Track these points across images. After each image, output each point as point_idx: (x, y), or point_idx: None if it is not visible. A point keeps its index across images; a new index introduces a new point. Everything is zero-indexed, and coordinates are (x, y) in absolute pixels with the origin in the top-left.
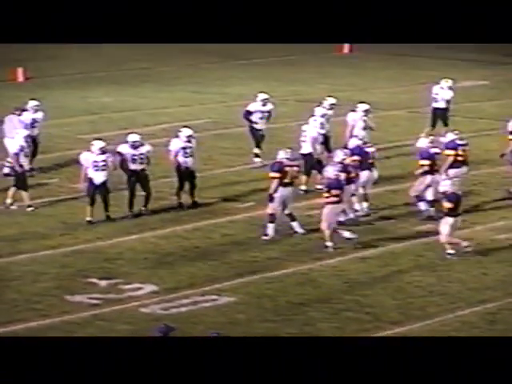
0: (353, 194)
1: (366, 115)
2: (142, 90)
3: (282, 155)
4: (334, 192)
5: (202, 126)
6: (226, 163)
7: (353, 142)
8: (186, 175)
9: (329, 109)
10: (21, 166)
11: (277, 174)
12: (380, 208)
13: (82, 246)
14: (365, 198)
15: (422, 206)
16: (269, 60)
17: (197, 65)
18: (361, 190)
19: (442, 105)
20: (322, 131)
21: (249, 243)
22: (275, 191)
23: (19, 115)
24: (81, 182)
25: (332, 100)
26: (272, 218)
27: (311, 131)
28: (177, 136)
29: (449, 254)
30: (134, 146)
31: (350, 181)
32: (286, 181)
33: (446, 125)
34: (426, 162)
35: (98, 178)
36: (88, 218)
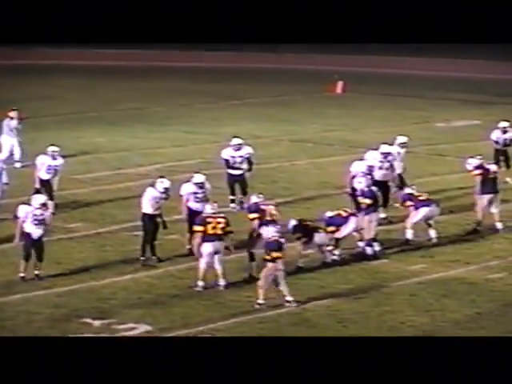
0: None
1: (402, 147)
2: (135, 130)
3: (255, 199)
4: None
5: (195, 166)
6: (220, 203)
7: (358, 186)
8: None
9: (402, 147)
10: None
11: (255, 215)
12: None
13: (75, 286)
14: (374, 237)
15: (369, 250)
16: (261, 100)
17: (190, 105)
18: (372, 232)
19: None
20: (364, 170)
21: (242, 283)
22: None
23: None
24: (17, 238)
25: (403, 139)
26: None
27: (355, 167)
28: (188, 180)
29: (258, 303)
30: (164, 193)
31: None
32: (268, 219)
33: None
34: (368, 201)
35: (36, 232)
36: (22, 274)
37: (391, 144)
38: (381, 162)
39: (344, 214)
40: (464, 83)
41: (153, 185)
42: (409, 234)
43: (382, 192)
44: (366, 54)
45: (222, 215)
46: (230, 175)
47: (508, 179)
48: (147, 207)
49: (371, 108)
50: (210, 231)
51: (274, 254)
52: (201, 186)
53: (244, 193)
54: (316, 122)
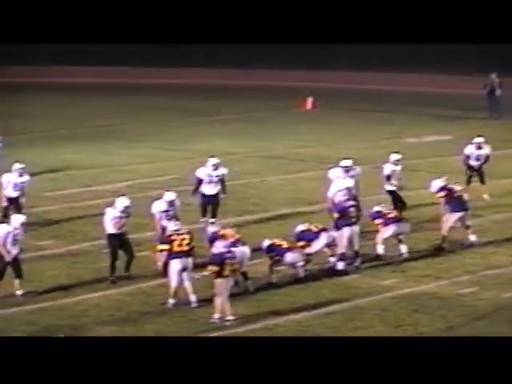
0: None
1: (396, 165)
2: (110, 147)
3: (212, 229)
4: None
5: (168, 182)
6: (191, 220)
7: (338, 198)
8: None
9: (396, 165)
10: None
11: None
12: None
13: (47, 304)
14: (356, 254)
15: (340, 265)
16: (234, 117)
17: (162, 121)
18: (342, 249)
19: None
20: (344, 186)
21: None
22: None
23: None
24: (6, 256)
25: (397, 156)
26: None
27: (335, 186)
28: (158, 198)
29: (226, 320)
30: (124, 211)
31: None
32: (232, 240)
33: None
34: (336, 215)
35: (13, 252)
36: None
37: (353, 159)
38: (344, 178)
39: (315, 230)
40: (435, 98)
41: (112, 205)
42: (380, 250)
43: None
44: (337, 69)
45: (187, 231)
46: (204, 195)
47: (485, 196)
48: (110, 227)
49: (343, 124)
50: (176, 248)
51: (210, 268)
52: (171, 203)
53: (214, 215)
54: (288, 138)
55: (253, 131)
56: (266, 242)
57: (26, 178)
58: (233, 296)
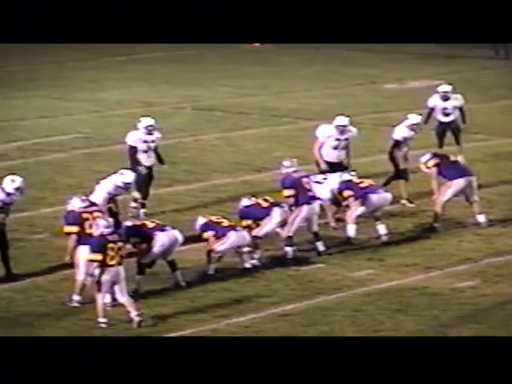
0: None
1: (414, 130)
2: None
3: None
4: None
5: (70, 143)
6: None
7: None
8: None
9: (413, 130)
10: None
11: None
12: (306, 249)
13: None
14: (316, 237)
15: (290, 252)
16: (155, 56)
17: (61, 62)
18: (291, 230)
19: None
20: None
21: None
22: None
23: None
24: None
25: (416, 118)
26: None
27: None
28: (114, 172)
29: (100, 322)
30: (9, 193)
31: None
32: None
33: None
34: (291, 192)
35: None
36: None
37: (310, 111)
38: (337, 139)
39: (265, 205)
40: None
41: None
42: (351, 231)
43: None
44: None
45: (97, 208)
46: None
47: (459, 158)
48: None
49: (299, 65)
50: (88, 230)
51: (92, 256)
52: (128, 185)
53: (146, 195)
54: (228, 85)
55: (182, 75)
56: (201, 220)
57: None
58: (154, 293)
